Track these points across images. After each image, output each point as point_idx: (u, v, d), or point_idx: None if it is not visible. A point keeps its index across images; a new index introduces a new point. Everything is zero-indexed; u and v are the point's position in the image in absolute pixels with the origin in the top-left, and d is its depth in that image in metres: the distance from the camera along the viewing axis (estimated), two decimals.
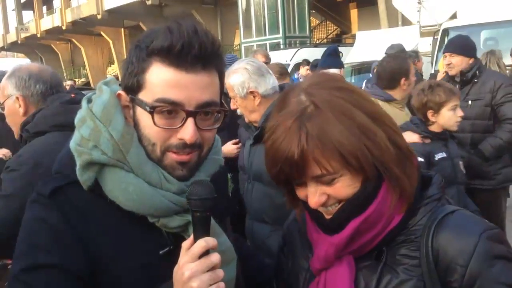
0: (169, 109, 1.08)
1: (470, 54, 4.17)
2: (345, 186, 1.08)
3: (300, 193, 1.13)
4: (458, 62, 4.05)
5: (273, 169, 1.10)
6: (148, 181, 1.10)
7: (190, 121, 1.09)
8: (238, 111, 2.85)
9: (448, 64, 4.08)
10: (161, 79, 1.07)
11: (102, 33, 33.72)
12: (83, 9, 33.01)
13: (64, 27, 34.60)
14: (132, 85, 1.11)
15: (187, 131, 1.09)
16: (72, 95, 2.19)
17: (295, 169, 1.07)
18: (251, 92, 2.64)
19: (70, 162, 1.14)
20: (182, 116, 1.09)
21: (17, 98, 2.22)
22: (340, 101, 1.08)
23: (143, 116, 1.10)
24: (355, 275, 1.11)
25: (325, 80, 1.14)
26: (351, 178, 1.07)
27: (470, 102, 3.96)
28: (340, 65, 5.20)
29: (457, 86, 3.96)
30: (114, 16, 29.97)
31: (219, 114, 1.15)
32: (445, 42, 9.34)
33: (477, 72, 4.05)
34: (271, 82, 2.70)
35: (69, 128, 2.01)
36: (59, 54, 41.35)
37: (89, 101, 1.18)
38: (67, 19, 34.22)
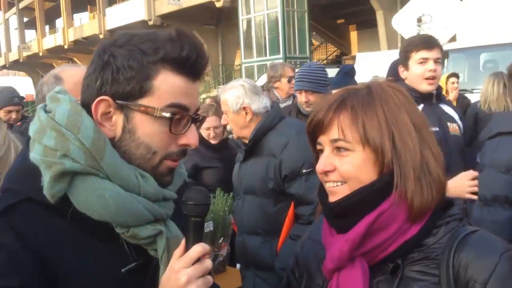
0: (183, 115, 1.09)
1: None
2: (353, 164, 1.11)
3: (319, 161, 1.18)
4: None
5: (307, 124, 1.19)
6: (125, 186, 1.06)
7: (193, 126, 1.12)
8: (228, 127, 2.95)
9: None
10: (172, 86, 1.07)
11: None
12: (85, 29, 33.33)
13: (66, 46, 34.87)
14: (132, 91, 1.05)
15: (193, 136, 1.11)
16: None
17: (319, 126, 1.15)
18: (244, 108, 2.71)
19: (24, 177, 1.07)
20: (184, 122, 1.10)
21: None
22: (393, 97, 1.14)
23: (145, 124, 1.07)
24: (369, 284, 1.10)
25: (392, 83, 1.21)
26: (362, 160, 1.11)
27: None
28: (355, 84, 5.20)
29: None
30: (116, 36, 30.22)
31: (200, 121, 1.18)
32: (445, 65, 9.42)
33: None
34: (264, 101, 2.80)
35: None
36: None
37: (46, 111, 1.10)
38: (69, 39, 34.51)
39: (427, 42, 2.83)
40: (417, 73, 2.79)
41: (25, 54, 40.22)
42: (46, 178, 1.02)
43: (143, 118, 1.07)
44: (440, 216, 1.13)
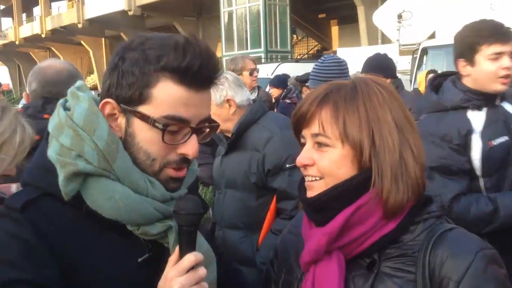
0: (179, 127, 1.08)
1: (387, 74, 4.16)
2: (330, 160, 1.12)
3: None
4: None
5: (292, 116, 1.20)
6: (135, 189, 1.09)
7: (194, 137, 1.10)
8: None
9: None
10: (171, 96, 1.06)
11: (82, 42, 33.47)
12: (63, 18, 32.76)
13: (43, 35, 34.26)
14: (132, 96, 1.07)
15: (191, 147, 1.10)
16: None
17: (302, 119, 1.16)
18: (228, 101, 2.68)
19: (42, 173, 1.11)
20: (185, 132, 1.10)
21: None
22: (377, 94, 1.13)
23: (143, 130, 1.08)
24: (345, 278, 1.10)
25: (377, 79, 1.20)
26: (341, 156, 1.11)
27: None
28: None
29: None
30: (95, 26, 29.81)
31: (210, 129, 1.17)
32: (424, 61, 9.53)
33: None
34: (247, 94, 2.79)
35: None
36: (38, 62, 40.59)
37: (65, 108, 1.13)
38: (47, 27, 33.90)
39: (502, 34, 2.23)
40: (488, 71, 2.22)
41: (1, 42, 39.37)
42: (60, 177, 1.06)
43: (141, 124, 1.08)
44: (418, 213, 1.13)
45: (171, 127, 1.07)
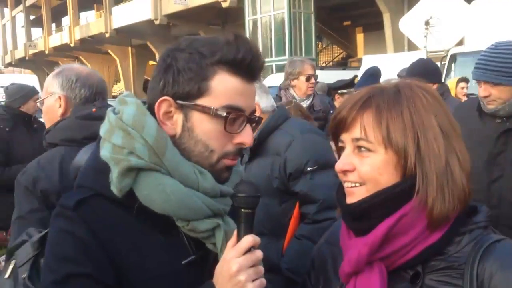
0: (237, 115, 1.14)
1: (432, 80, 4.01)
2: (372, 165, 1.07)
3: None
4: None
5: (331, 120, 1.17)
6: (184, 182, 1.13)
7: (248, 126, 1.17)
8: None
9: None
10: (228, 87, 1.13)
11: (109, 51, 34.06)
12: (91, 27, 33.42)
13: (72, 45, 34.99)
14: (191, 91, 1.13)
15: (247, 135, 1.17)
16: (93, 110, 2.17)
17: (342, 123, 1.12)
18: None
19: (93, 174, 1.18)
20: (240, 122, 1.16)
21: (60, 97, 2.20)
22: (422, 99, 1.09)
23: (203, 122, 1.14)
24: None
25: (421, 83, 1.16)
26: (383, 162, 1.07)
27: None
28: None
29: None
30: (122, 35, 30.30)
31: (256, 122, 1.23)
32: (452, 68, 9.36)
33: None
34: (271, 101, 2.81)
35: (77, 143, 2.02)
36: None
37: (115, 113, 1.20)
38: (75, 37, 34.62)
39: None
40: None
41: (31, 52, 40.40)
42: (114, 174, 1.11)
43: (200, 117, 1.14)
44: (463, 223, 1.09)
45: (232, 115, 1.13)
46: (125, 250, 1.12)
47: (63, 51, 37.86)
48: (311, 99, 4.48)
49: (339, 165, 1.13)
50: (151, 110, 1.17)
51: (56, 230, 1.14)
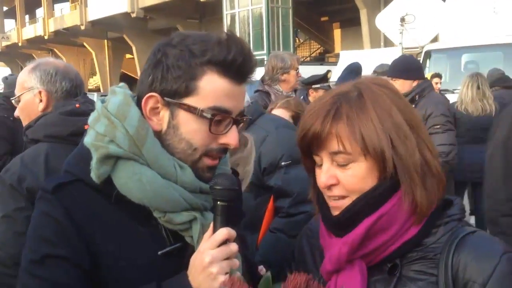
0: (223, 117, 1.14)
1: (412, 77, 4.10)
2: (356, 176, 1.08)
3: (317, 174, 1.14)
4: (400, 87, 3.93)
5: (300, 138, 1.15)
6: (163, 174, 1.13)
7: (234, 128, 1.17)
8: None
9: None
10: (216, 88, 1.13)
11: (85, 44, 33.51)
12: (66, 19, 32.81)
13: (46, 37, 34.29)
14: (178, 89, 1.13)
15: (233, 137, 1.17)
16: (77, 106, 2.12)
17: (316, 139, 1.11)
18: None
19: (77, 161, 1.21)
20: (226, 123, 1.16)
21: (40, 92, 2.14)
22: (384, 97, 1.10)
23: (188, 121, 1.14)
24: (367, 286, 1.09)
25: (379, 80, 1.18)
26: (365, 170, 1.08)
27: None
28: None
29: None
30: (98, 28, 29.82)
31: (244, 122, 1.24)
32: (427, 64, 9.50)
33: (416, 96, 3.98)
34: (246, 96, 2.76)
35: (63, 140, 2.02)
36: None
37: (103, 101, 1.22)
38: (49, 29, 33.94)
39: None
40: None
41: (4, 44, 39.42)
42: (94, 160, 1.14)
43: (186, 116, 1.14)
44: (439, 216, 1.12)
45: (217, 117, 1.12)
46: (101, 236, 1.13)
47: (37, 43, 37.10)
48: (294, 94, 4.45)
49: (322, 181, 1.12)
50: (140, 102, 1.17)
51: (37, 212, 1.17)
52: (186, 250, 1.18)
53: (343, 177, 1.10)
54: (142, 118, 1.15)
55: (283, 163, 2.61)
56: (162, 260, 1.16)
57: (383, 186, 1.08)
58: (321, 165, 1.13)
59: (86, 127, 2.03)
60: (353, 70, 4.65)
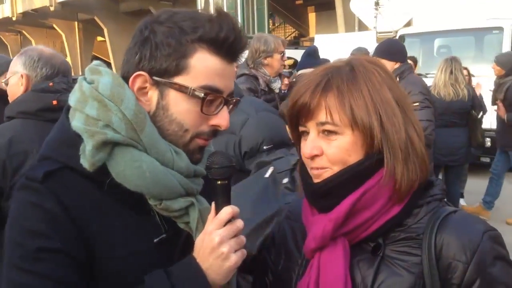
0: (215, 97, 1.10)
1: (394, 59, 4.38)
2: (340, 148, 1.08)
3: (302, 145, 1.14)
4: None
5: (289, 108, 1.15)
6: (161, 160, 1.09)
7: (225, 109, 1.14)
8: None
9: None
10: (207, 67, 1.09)
11: (54, 25, 32.68)
12: (35, 0, 31.90)
13: (14, 18, 33.30)
14: (168, 68, 1.08)
15: (224, 118, 1.13)
16: (50, 84, 2.24)
17: (305, 109, 1.10)
18: None
19: (62, 146, 1.11)
20: (217, 103, 1.12)
21: (22, 76, 2.28)
22: (375, 74, 1.11)
23: (179, 101, 1.09)
24: (350, 263, 1.10)
25: (372, 58, 1.18)
26: (350, 143, 1.08)
27: None
28: (319, 65, 5.08)
29: None
30: (68, 9, 29.08)
31: (234, 103, 1.20)
32: None
33: (397, 78, 4.19)
34: None
35: (31, 115, 2.14)
36: (8, 46, 39.79)
37: (90, 82, 1.13)
38: (17, 10, 32.95)
39: None
40: None
41: None
42: (88, 147, 1.05)
43: (176, 95, 1.09)
44: (421, 196, 1.13)
45: (209, 96, 1.09)
46: (95, 226, 1.07)
47: (4, 25, 35.99)
48: (279, 78, 4.27)
49: (306, 151, 1.12)
50: (127, 82, 1.11)
51: (21, 203, 1.06)
52: (179, 237, 1.17)
53: (327, 148, 1.10)
54: (137, 101, 1.10)
55: (264, 147, 2.59)
56: (158, 247, 1.14)
57: (368, 161, 1.09)
58: (307, 136, 1.14)
59: (54, 102, 2.11)
60: (310, 53, 4.66)
